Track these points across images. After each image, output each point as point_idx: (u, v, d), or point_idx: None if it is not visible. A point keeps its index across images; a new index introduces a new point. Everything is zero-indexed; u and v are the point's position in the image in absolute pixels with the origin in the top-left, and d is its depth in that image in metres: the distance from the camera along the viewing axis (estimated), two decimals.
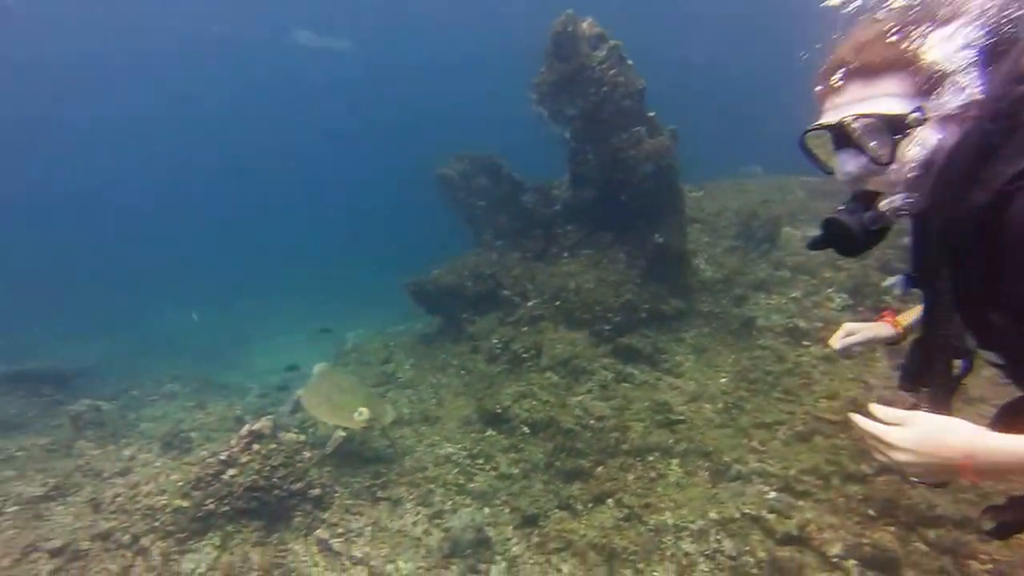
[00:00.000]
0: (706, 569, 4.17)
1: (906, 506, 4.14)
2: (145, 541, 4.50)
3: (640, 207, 6.06)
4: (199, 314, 13.04)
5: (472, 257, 7.52)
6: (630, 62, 6.03)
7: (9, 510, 5.50)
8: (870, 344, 3.86)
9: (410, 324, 9.97)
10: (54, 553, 4.55)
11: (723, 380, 5.71)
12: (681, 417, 5.28)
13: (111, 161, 39.32)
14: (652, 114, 5.99)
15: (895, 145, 1.28)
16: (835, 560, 3.97)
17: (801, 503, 4.45)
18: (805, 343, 5.99)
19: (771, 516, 4.36)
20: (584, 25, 6.22)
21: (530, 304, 6.51)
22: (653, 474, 4.86)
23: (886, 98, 1.28)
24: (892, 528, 4.08)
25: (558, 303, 6.32)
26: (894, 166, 1.30)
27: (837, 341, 3.30)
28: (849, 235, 1.39)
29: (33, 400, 8.24)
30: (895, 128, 1.27)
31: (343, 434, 5.19)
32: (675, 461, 4.97)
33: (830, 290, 6.73)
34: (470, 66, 34.34)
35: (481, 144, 8.73)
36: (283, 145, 40.40)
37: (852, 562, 3.94)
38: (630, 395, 5.46)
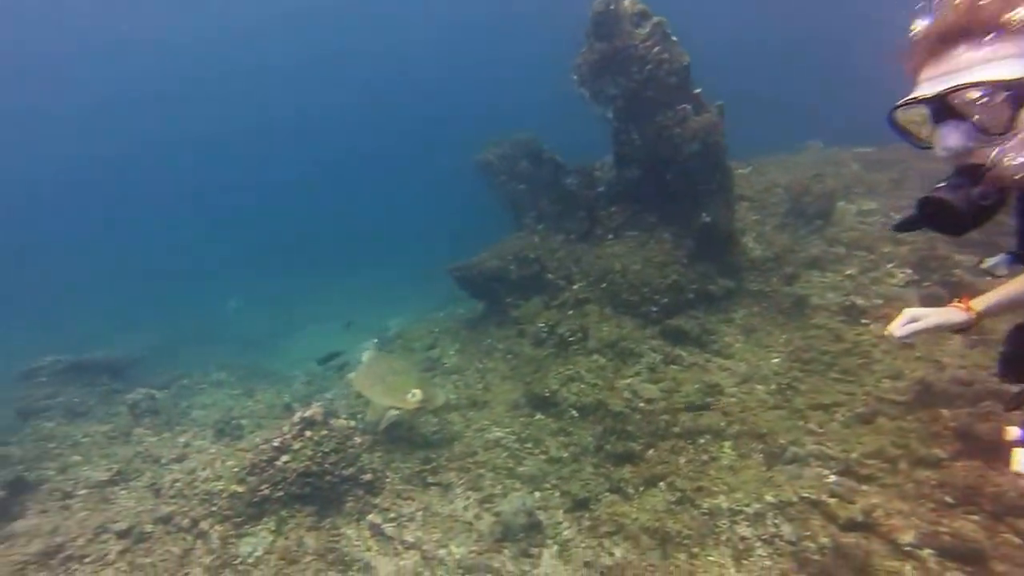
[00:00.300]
0: (764, 554, 4.07)
1: (991, 494, 3.94)
2: (204, 525, 4.66)
3: (686, 186, 5.89)
4: (237, 302, 13.37)
5: (515, 241, 7.46)
6: (675, 38, 5.85)
7: (80, 493, 5.82)
8: (937, 332, 3.57)
9: (451, 310, 10.02)
10: (121, 535, 4.79)
11: (775, 360, 5.55)
12: (732, 398, 5.18)
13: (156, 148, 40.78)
14: (698, 91, 5.81)
15: (1016, 112, 1.16)
16: (908, 549, 3.81)
17: (865, 487, 4.30)
18: (864, 321, 5.77)
19: (832, 500, 4.22)
20: (626, 3, 6.06)
21: (575, 287, 6.44)
22: (705, 457, 4.76)
23: (1006, 61, 1.16)
24: (975, 517, 3.84)
25: (604, 285, 6.23)
26: (1015, 135, 1.18)
27: (898, 328, 3.03)
28: (954, 213, 1.29)
29: (93, 389, 8.63)
30: (1017, 94, 1.14)
31: (396, 413, 5.27)
32: (727, 443, 4.85)
33: (891, 265, 6.45)
34: (505, 50, 34.35)
35: (519, 130, 8.66)
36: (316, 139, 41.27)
37: (928, 551, 3.75)
38: (679, 377, 5.36)
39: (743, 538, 4.18)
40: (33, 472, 6.20)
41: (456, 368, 6.91)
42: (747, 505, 4.34)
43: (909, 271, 6.40)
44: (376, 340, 9.37)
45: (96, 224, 35.82)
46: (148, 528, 4.80)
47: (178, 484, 5.10)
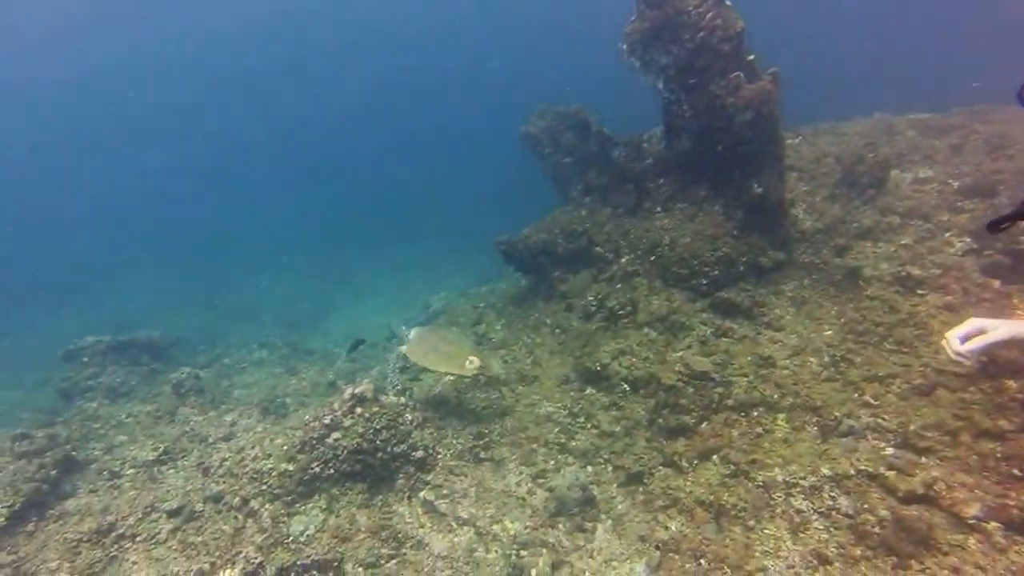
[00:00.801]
0: (820, 527, 4.09)
1: None
2: (254, 504, 4.80)
3: (738, 157, 5.80)
4: (268, 279, 13.60)
5: (562, 215, 7.45)
6: (728, 2, 5.73)
7: (127, 472, 6.02)
8: (1006, 348, 3.24)
9: (493, 285, 10.09)
10: (172, 514, 4.95)
11: (828, 333, 5.50)
12: (785, 371, 5.18)
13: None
14: (751, 57, 5.67)
15: None
16: (972, 522, 3.81)
17: (924, 460, 4.28)
18: (920, 292, 5.70)
19: (891, 473, 4.20)
20: None
21: (623, 260, 6.43)
22: (759, 430, 4.77)
23: None
24: None
25: (653, 259, 6.20)
26: None
27: (956, 343, 2.66)
28: None
29: (134, 369, 8.89)
30: None
31: (452, 377, 5.41)
32: (781, 416, 4.86)
33: (948, 234, 6.34)
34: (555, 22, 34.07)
35: (564, 101, 8.57)
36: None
37: (994, 525, 3.75)
38: (732, 350, 5.36)
39: (799, 511, 4.21)
40: (80, 452, 6.43)
41: (503, 343, 6.96)
42: (803, 478, 4.35)
43: (968, 240, 6.27)
44: (416, 316, 9.50)
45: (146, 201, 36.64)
46: (198, 507, 4.96)
47: (227, 463, 5.25)
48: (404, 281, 16.22)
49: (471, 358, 5.23)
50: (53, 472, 5.66)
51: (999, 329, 2.02)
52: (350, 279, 17.12)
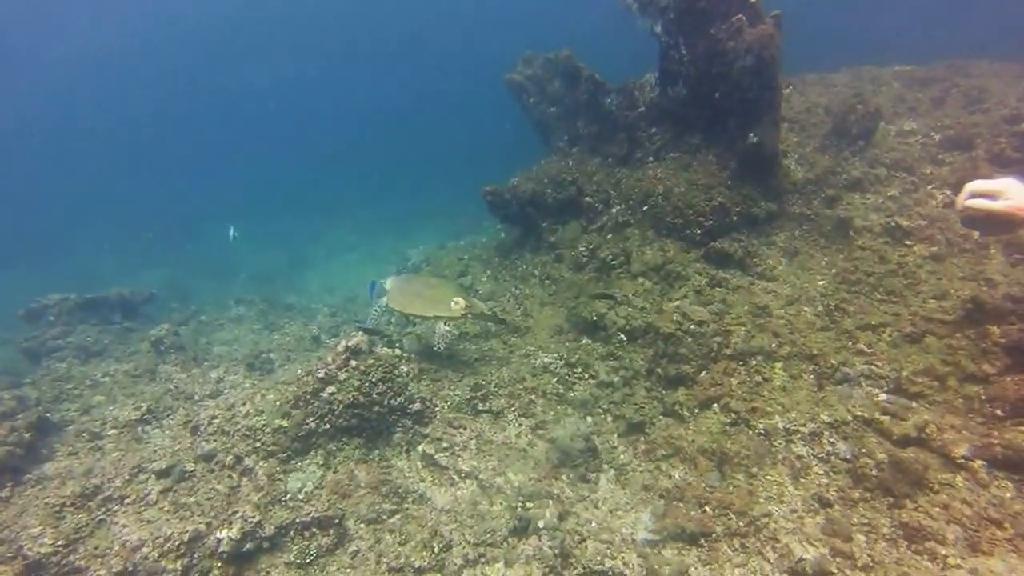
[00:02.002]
0: (821, 472, 4.12)
1: None
2: (248, 461, 4.57)
3: (735, 104, 5.62)
4: (236, 232, 13.07)
5: (550, 165, 7.21)
6: None
7: (109, 433, 5.72)
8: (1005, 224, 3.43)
9: (472, 239, 9.85)
10: (160, 474, 4.68)
11: (821, 282, 5.48)
12: (781, 320, 5.15)
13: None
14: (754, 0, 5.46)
15: None
16: (961, 461, 3.89)
17: (915, 404, 4.33)
18: (907, 242, 5.70)
19: (885, 418, 4.25)
20: None
21: (614, 210, 6.26)
22: (758, 378, 4.75)
23: None
24: None
25: (645, 208, 6.05)
26: None
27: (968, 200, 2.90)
28: None
29: (107, 328, 8.45)
30: None
31: (447, 328, 5.20)
32: (779, 365, 4.84)
33: (931, 186, 6.34)
34: None
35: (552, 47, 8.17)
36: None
37: (979, 463, 3.84)
38: (728, 299, 5.30)
39: (800, 457, 4.23)
40: (54, 414, 6.09)
41: (490, 294, 6.79)
42: (802, 425, 4.37)
43: (949, 192, 6.29)
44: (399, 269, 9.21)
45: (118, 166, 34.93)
46: (189, 467, 4.70)
47: (217, 420, 4.98)
48: (378, 238, 15.87)
49: (455, 299, 5.05)
50: (27, 435, 5.30)
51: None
52: (325, 236, 16.67)
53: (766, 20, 5.29)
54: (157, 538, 3.96)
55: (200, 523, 4.06)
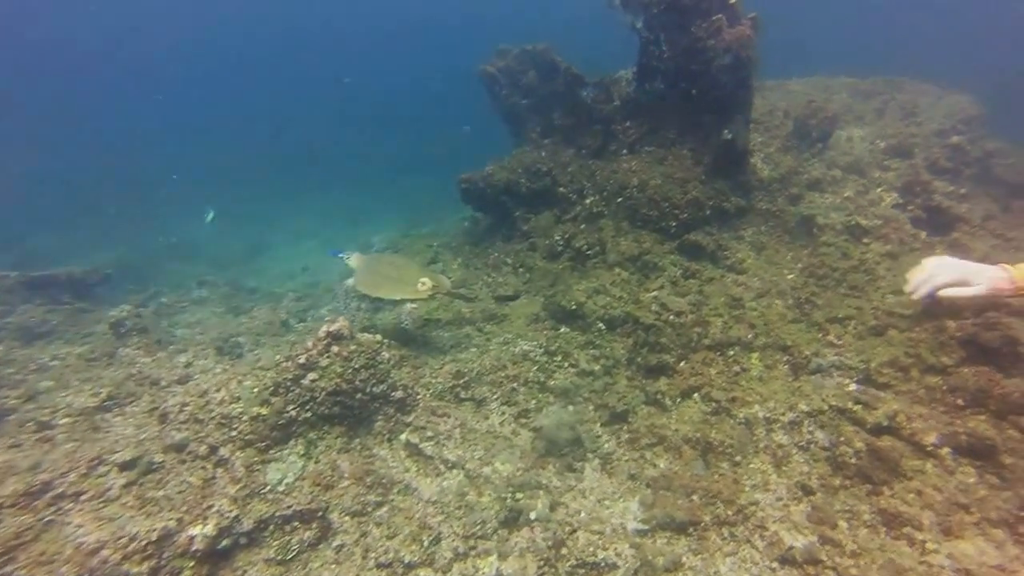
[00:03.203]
0: (801, 460, 3.99)
1: (997, 395, 3.97)
2: (224, 452, 4.04)
3: (711, 101, 5.43)
4: (212, 213, 12.16)
5: (524, 154, 6.84)
6: None
7: (61, 422, 5.00)
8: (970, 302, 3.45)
9: (434, 227, 9.38)
10: (124, 466, 4.05)
11: (790, 276, 5.39)
12: (754, 311, 4.99)
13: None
14: (733, 0, 5.25)
15: None
16: (930, 448, 3.82)
17: (883, 394, 4.27)
18: (866, 240, 5.67)
19: (857, 407, 4.16)
20: None
21: (588, 201, 5.99)
22: (736, 368, 4.60)
23: None
24: (983, 417, 3.92)
25: (620, 200, 5.80)
26: None
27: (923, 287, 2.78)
28: None
29: (54, 309, 7.56)
30: None
31: (414, 306, 4.95)
32: (755, 355, 4.70)
33: (880, 189, 6.35)
34: None
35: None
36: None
37: (946, 450, 3.80)
38: (705, 290, 5.11)
39: (781, 445, 4.08)
40: None
41: (462, 282, 6.39)
42: (782, 414, 4.23)
43: (895, 195, 6.31)
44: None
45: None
46: (157, 458, 4.10)
47: (188, 408, 4.40)
48: (336, 226, 15.14)
49: (423, 279, 4.67)
50: None
51: (981, 287, 2.08)
52: (283, 223, 15.75)
53: (743, 21, 5.09)
54: (120, 538, 3.40)
55: (171, 519, 3.52)
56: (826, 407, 4.20)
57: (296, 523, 3.64)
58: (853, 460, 3.85)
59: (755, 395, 4.37)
